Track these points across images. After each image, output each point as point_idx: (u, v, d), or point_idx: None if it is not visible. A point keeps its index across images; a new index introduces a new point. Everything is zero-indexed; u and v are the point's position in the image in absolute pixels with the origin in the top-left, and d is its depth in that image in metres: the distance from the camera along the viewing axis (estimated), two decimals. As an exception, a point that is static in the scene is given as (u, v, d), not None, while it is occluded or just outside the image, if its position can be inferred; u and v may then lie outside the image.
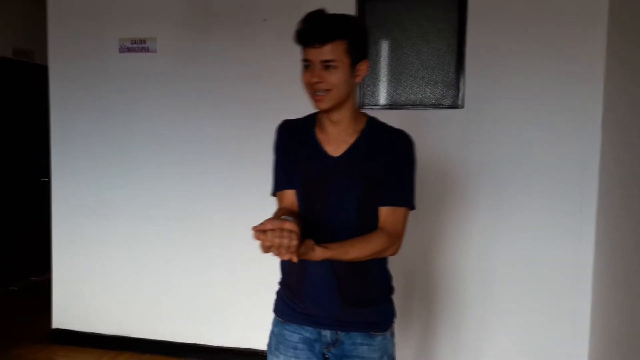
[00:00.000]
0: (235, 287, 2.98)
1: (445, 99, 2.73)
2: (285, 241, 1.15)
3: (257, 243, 1.16)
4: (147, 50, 2.99)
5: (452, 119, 2.64)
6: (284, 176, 1.50)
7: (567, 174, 2.59)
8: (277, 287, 1.56)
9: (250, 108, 2.89)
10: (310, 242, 1.25)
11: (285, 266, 1.53)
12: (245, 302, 2.96)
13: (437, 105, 2.72)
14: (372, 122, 1.48)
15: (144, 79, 3.01)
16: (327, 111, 1.42)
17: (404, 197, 1.44)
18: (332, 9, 1.39)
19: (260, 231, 1.16)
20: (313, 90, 1.38)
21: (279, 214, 1.39)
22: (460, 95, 2.67)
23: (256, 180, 2.87)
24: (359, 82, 1.43)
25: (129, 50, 3.01)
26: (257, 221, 1.16)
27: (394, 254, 1.44)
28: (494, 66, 2.63)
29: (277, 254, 1.18)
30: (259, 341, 2.90)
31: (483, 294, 2.73)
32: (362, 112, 1.50)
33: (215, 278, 3.00)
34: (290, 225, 1.16)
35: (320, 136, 1.47)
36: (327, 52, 1.34)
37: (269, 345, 1.55)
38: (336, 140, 1.45)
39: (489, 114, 2.64)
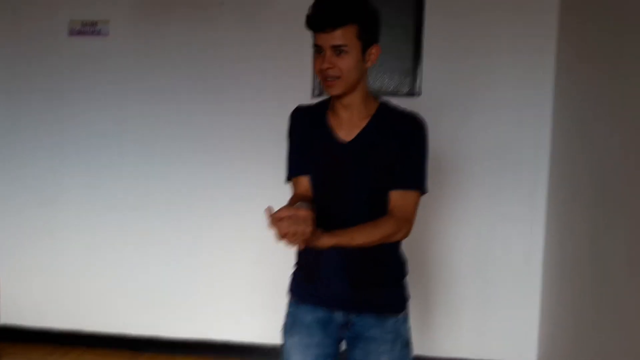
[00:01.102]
0: (194, 277, 2.94)
1: (403, 87, 2.76)
2: (301, 228, 1.17)
3: (272, 231, 1.17)
4: (98, 33, 2.88)
5: (409, 107, 2.67)
6: (298, 162, 1.50)
7: (520, 161, 2.68)
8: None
9: (210, 93, 2.84)
10: (317, 231, 1.26)
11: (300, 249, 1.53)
12: (205, 292, 2.93)
13: (395, 93, 2.76)
14: (384, 106, 1.49)
15: (96, 64, 2.90)
16: (338, 96, 1.41)
17: (415, 180, 1.45)
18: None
19: (277, 219, 1.17)
20: (324, 76, 1.37)
21: (294, 201, 1.41)
22: (418, 83, 2.71)
23: (215, 163, 2.86)
24: (370, 66, 1.42)
25: (80, 33, 2.89)
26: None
27: (403, 238, 1.45)
28: (451, 54, 2.68)
29: (292, 241, 1.19)
30: (222, 332, 2.92)
31: (442, 281, 2.80)
32: (375, 96, 1.50)
33: (171, 268, 2.95)
34: (304, 212, 1.18)
35: (333, 121, 1.47)
36: (338, 37, 1.33)
37: (285, 325, 1.57)
38: (348, 124, 1.45)
39: (445, 101, 2.70)
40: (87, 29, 2.89)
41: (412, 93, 2.73)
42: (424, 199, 1.48)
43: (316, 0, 1.36)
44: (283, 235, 1.18)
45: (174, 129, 2.88)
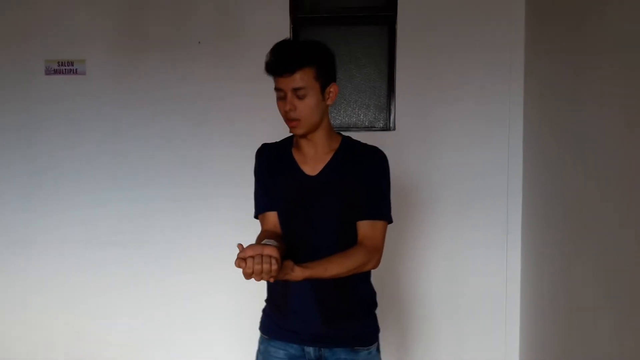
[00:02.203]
0: (170, 320, 2.89)
1: (378, 122, 2.84)
2: (266, 266, 1.18)
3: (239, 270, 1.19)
4: (75, 72, 2.89)
5: (384, 141, 2.73)
6: (265, 198, 1.53)
7: (493, 188, 2.74)
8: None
9: (187, 130, 2.85)
10: (289, 263, 1.27)
11: (270, 283, 1.54)
12: (182, 335, 2.87)
13: (369, 128, 2.83)
14: (347, 140, 1.54)
15: (73, 102, 2.90)
16: (302, 136, 1.46)
17: (382, 211, 1.49)
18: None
19: (241, 259, 1.18)
20: (288, 117, 1.43)
21: (262, 236, 1.42)
22: (392, 118, 2.78)
23: (191, 198, 2.85)
24: (330, 104, 1.48)
25: (56, 72, 2.90)
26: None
27: (374, 267, 1.48)
28: (423, 90, 2.76)
29: (259, 280, 1.20)
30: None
31: (416, 312, 2.80)
32: (337, 132, 1.55)
33: (150, 310, 2.90)
34: (270, 250, 1.19)
35: (297, 157, 1.52)
36: (297, 80, 1.38)
37: None
38: (313, 160, 1.50)
39: (419, 134, 2.76)
40: (64, 68, 2.90)
41: (386, 128, 2.80)
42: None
43: (273, 47, 1.42)
44: (249, 275, 1.19)
45: (151, 166, 2.88)
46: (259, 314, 1.62)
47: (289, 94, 1.40)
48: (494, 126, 2.73)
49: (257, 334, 1.61)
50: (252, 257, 1.18)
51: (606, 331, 1.71)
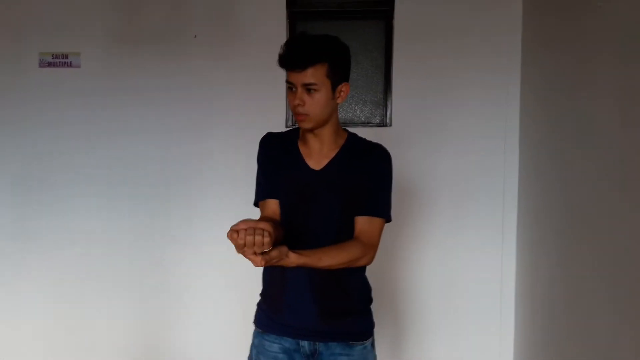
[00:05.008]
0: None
1: (374, 118, 2.83)
2: (258, 238, 1.16)
3: (231, 244, 1.18)
4: (69, 65, 2.87)
5: (381, 137, 2.72)
6: (267, 186, 1.53)
7: (490, 185, 2.74)
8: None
9: (182, 122, 2.84)
10: (284, 248, 1.27)
11: (266, 277, 1.55)
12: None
13: (366, 124, 2.82)
14: (352, 137, 1.55)
15: (68, 95, 2.87)
16: (309, 130, 1.46)
17: (380, 208, 1.50)
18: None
19: (233, 231, 1.17)
20: (296, 111, 1.42)
21: None
22: (389, 113, 2.77)
23: (185, 194, 2.84)
24: (340, 102, 1.48)
25: (50, 65, 2.87)
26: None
27: (368, 263, 1.48)
28: (420, 86, 2.75)
29: (251, 253, 1.18)
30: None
31: (412, 310, 2.81)
32: (344, 129, 1.56)
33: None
34: (263, 224, 1.18)
35: (303, 150, 1.52)
36: (309, 75, 1.38)
37: (250, 358, 1.56)
38: (318, 154, 1.50)
39: (415, 131, 2.76)
40: (58, 60, 2.88)
41: (383, 124, 2.79)
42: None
43: (287, 40, 1.42)
44: (241, 247, 1.18)
45: (145, 160, 2.86)
46: (252, 308, 1.62)
47: (299, 89, 1.40)
48: (491, 122, 2.73)
49: (250, 328, 1.61)
50: (245, 229, 1.17)
51: (602, 331, 1.71)
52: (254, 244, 1.16)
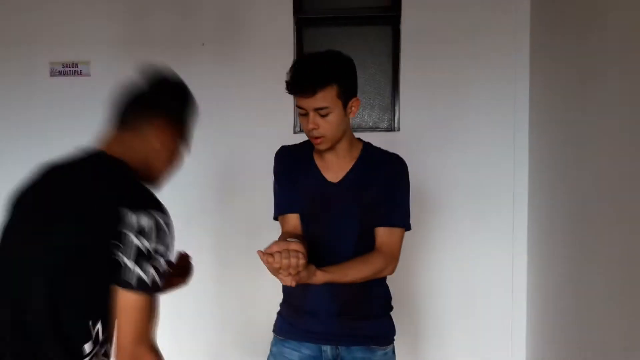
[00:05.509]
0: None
1: (382, 123, 2.83)
2: (294, 260, 1.17)
3: (265, 266, 1.19)
4: (80, 73, 2.90)
5: (389, 141, 2.71)
6: (286, 200, 1.52)
7: (499, 189, 2.72)
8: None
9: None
10: (312, 267, 1.27)
11: (287, 286, 1.55)
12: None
13: (374, 129, 2.82)
14: (368, 147, 1.54)
15: (78, 103, 2.90)
16: (327, 150, 1.45)
17: (400, 218, 1.49)
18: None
19: (268, 254, 1.17)
20: (311, 135, 1.41)
21: (283, 238, 1.40)
22: (396, 118, 2.77)
23: (193, 199, 2.85)
24: (353, 117, 1.46)
25: (61, 73, 2.91)
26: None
27: (390, 273, 1.48)
28: (428, 90, 2.75)
29: (286, 276, 1.19)
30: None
31: (430, 316, 2.80)
32: (358, 139, 1.54)
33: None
34: (295, 245, 1.19)
35: (319, 162, 1.51)
36: (319, 100, 1.35)
37: None
38: (334, 167, 1.49)
39: (424, 136, 2.75)
40: (68, 69, 2.91)
41: (391, 128, 2.79)
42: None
43: (293, 65, 1.39)
44: (276, 270, 1.18)
45: (156, 167, 2.88)
46: (266, 320, 1.61)
47: (311, 113, 1.37)
48: (499, 127, 2.72)
49: (263, 339, 1.60)
50: (279, 252, 1.17)
51: (614, 331, 1.69)
52: (289, 266, 1.17)
